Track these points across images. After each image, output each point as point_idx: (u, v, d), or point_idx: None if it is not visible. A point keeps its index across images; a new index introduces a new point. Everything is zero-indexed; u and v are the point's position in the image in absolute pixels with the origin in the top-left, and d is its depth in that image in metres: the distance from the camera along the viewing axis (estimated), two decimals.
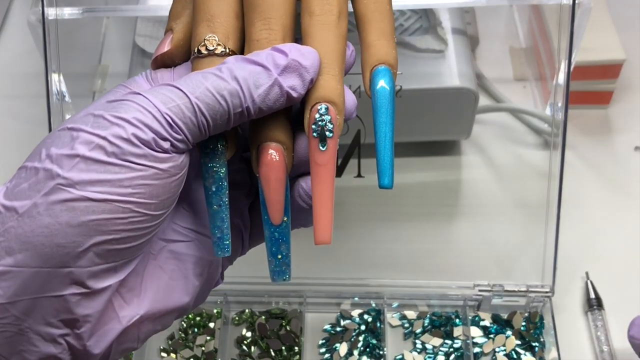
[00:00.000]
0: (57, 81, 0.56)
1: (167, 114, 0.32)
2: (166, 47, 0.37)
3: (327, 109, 0.34)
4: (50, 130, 0.56)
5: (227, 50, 0.35)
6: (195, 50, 0.35)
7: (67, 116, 0.57)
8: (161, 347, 0.60)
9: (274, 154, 0.34)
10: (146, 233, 0.33)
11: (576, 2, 0.53)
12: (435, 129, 0.65)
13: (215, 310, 0.61)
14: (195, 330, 0.60)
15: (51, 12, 0.54)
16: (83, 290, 0.32)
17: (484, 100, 0.70)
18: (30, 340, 0.32)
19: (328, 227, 0.34)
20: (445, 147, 0.68)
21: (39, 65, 0.55)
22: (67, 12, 0.56)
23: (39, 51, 0.55)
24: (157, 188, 0.32)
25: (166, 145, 0.32)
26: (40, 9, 0.54)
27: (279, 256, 0.36)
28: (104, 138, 0.31)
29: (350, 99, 0.36)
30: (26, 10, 0.55)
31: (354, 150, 0.63)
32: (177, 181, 0.33)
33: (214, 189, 0.35)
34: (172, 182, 0.33)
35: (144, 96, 0.32)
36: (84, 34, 0.71)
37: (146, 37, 0.64)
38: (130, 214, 0.31)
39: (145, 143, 0.31)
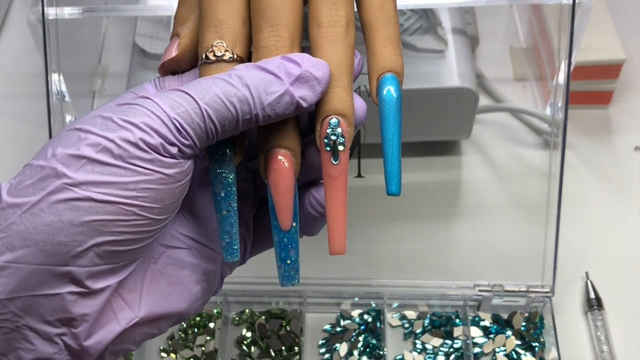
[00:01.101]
0: (57, 81, 0.56)
1: (175, 119, 0.32)
2: (173, 53, 0.37)
3: (338, 122, 0.34)
4: (50, 130, 0.56)
5: (235, 56, 0.35)
6: (203, 56, 0.35)
7: (67, 116, 0.57)
8: (161, 347, 0.60)
9: (282, 160, 0.34)
10: (147, 237, 0.33)
11: (576, 2, 0.53)
12: (435, 129, 0.65)
13: (215, 310, 0.61)
14: (195, 330, 0.60)
15: (51, 12, 0.54)
16: (81, 289, 0.32)
17: (484, 100, 0.70)
18: (27, 337, 0.32)
19: (342, 238, 0.35)
20: (445, 147, 0.68)
21: (39, 65, 0.55)
22: (67, 12, 0.56)
23: (39, 51, 0.55)
24: (162, 193, 0.32)
25: (174, 150, 0.32)
26: (40, 8, 0.53)
27: (288, 261, 0.36)
28: (112, 141, 0.31)
29: (360, 106, 0.36)
30: (26, 10, 0.55)
31: (354, 150, 0.63)
32: (182, 187, 0.33)
33: (222, 195, 0.35)
34: (176, 188, 0.33)
35: (153, 101, 0.32)
36: (84, 34, 0.71)
37: (146, 37, 0.64)
38: (133, 217, 0.31)
39: (153, 148, 0.31)
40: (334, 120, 0.34)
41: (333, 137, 0.34)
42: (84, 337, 0.32)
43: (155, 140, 0.31)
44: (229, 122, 0.33)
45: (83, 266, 0.31)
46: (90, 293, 0.32)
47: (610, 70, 0.67)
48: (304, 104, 0.33)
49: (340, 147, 0.34)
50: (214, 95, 0.32)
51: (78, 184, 0.31)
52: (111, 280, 0.33)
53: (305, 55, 0.34)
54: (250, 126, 0.33)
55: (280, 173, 0.34)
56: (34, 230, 0.30)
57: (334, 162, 0.34)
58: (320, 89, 0.34)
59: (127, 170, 0.31)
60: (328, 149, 0.34)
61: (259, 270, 0.49)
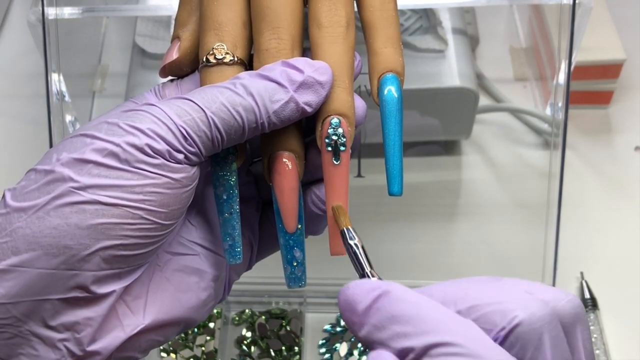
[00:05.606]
0: (57, 81, 0.56)
1: (182, 126, 0.32)
2: (174, 56, 0.37)
3: (339, 122, 0.34)
4: (50, 130, 0.56)
5: (236, 59, 0.35)
6: (204, 59, 0.35)
7: (67, 116, 0.57)
8: (161, 347, 0.60)
9: (287, 162, 0.34)
10: (154, 242, 0.33)
11: (576, 2, 0.53)
12: (435, 129, 0.65)
13: (215, 310, 0.61)
14: (195, 330, 0.60)
15: (51, 12, 0.54)
16: (86, 294, 0.32)
17: (484, 100, 0.70)
18: (30, 343, 0.32)
19: None
20: (445, 147, 0.68)
21: (39, 65, 0.55)
22: (67, 12, 0.56)
23: (39, 51, 0.55)
24: (169, 197, 0.32)
25: (180, 157, 0.32)
26: (40, 8, 0.53)
27: (295, 263, 0.36)
28: (118, 145, 0.31)
29: (360, 106, 0.36)
30: (26, 10, 0.55)
31: (354, 150, 0.63)
32: (188, 192, 0.33)
33: (224, 197, 0.35)
34: (183, 193, 0.33)
35: (159, 107, 0.32)
36: (84, 34, 0.70)
37: (146, 37, 0.64)
38: (140, 221, 0.31)
39: (159, 153, 0.31)
40: (335, 120, 0.34)
41: (334, 137, 0.34)
42: (88, 343, 0.32)
43: (162, 146, 0.31)
44: (235, 130, 0.33)
45: (89, 270, 0.31)
46: (95, 298, 0.32)
47: (610, 70, 0.67)
48: (309, 109, 0.34)
49: (342, 148, 0.34)
50: (220, 104, 0.32)
51: (84, 187, 0.31)
52: (117, 286, 0.33)
53: (307, 60, 0.34)
54: (256, 134, 0.34)
55: (284, 175, 0.34)
56: (40, 234, 0.30)
57: (335, 162, 0.34)
58: (325, 93, 0.34)
59: (133, 174, 0.31)
60: (329, 149, 0.34)
61: (259, 271, 0.49)
